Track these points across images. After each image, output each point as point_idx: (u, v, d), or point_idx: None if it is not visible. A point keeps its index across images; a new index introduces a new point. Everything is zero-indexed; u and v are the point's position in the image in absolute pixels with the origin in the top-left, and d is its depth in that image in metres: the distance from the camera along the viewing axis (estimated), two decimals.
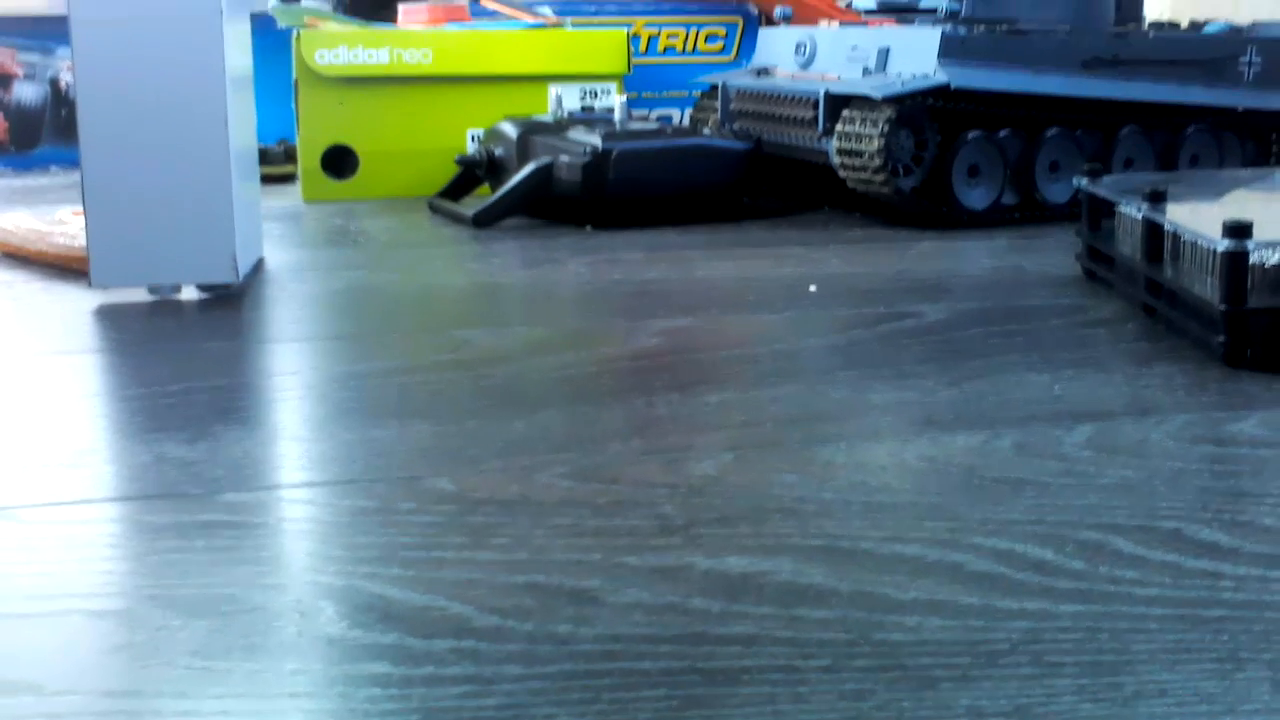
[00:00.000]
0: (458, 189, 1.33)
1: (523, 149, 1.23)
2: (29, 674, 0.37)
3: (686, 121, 1.60)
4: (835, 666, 0.37)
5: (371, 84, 1.38)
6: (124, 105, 0.85)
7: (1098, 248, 0.91)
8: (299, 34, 1.36)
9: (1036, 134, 1.20)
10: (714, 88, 1.41)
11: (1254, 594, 0.42)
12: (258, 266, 1.00)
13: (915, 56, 1.17)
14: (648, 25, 1.62)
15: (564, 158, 1.18)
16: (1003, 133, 1.19)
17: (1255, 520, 0.48)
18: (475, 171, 1.31)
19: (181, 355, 0.74)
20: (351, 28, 1.42)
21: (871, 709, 0.35)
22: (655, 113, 1.63)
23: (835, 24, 1.34)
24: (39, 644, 0.39)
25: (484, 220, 1.18)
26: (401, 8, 1.49)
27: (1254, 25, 1.34)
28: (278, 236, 1.15)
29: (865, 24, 1.31)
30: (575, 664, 0.38)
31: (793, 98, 1.23)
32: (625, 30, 1.49)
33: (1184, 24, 1.38)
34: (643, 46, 1.62)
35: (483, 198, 1.23)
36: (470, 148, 1.39)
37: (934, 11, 1.24)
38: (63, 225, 1.03)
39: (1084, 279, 0.93)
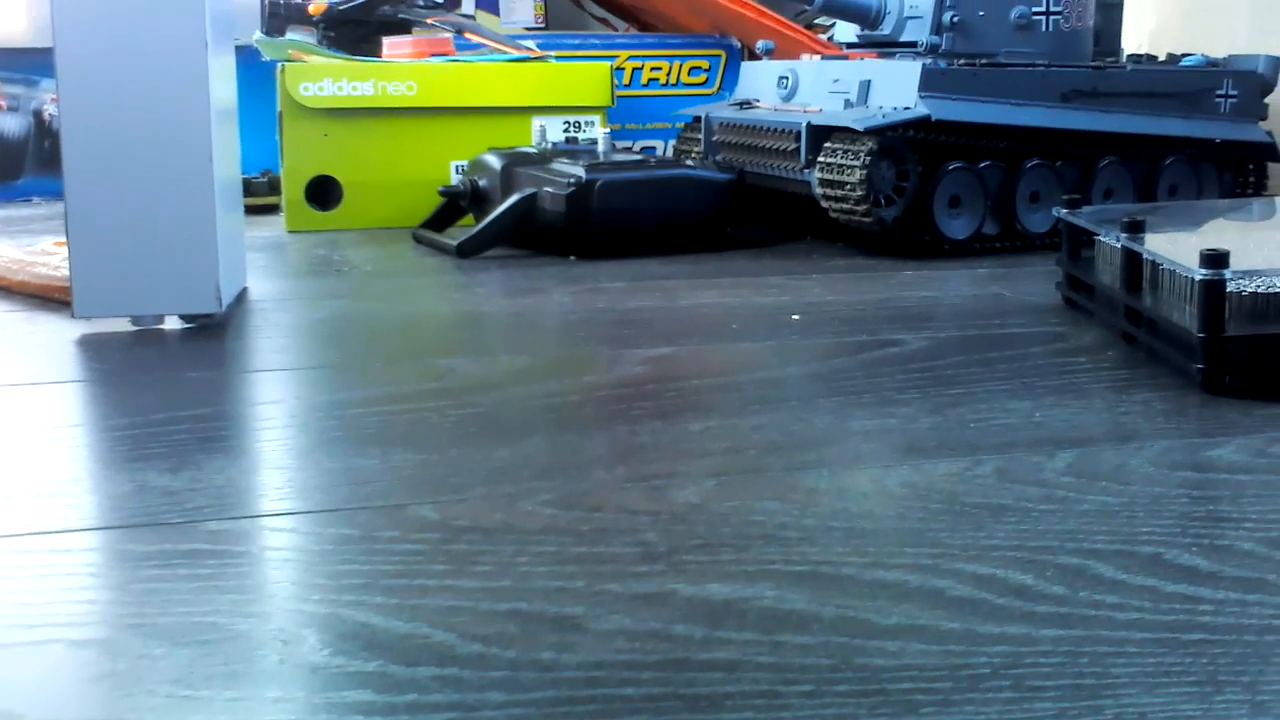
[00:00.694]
0: (441, 220, 1.33)
1: (507, 180, 1.24)
2: (10, 704, 0.37)
3: (670, 153, 1.61)
4: (817, 692, 0.37)
5: (356, 116, 1.38)
6: (108, 136, 0.85)
7: (1078, 276, 0.92)
8: (284, 67, 1.36)
9: (1017, 165, 1.22)
10: (697, 120, 1.42)
11: (1233, 617, 0.42)
12: (241, 296, 1.00)
13: (896, 89, 1.18)
14: (631, 58, 1.64)
15: (548, 188, 1.18)
16: (983, 164, 1.20)
17: (1234, 545, 0.49)
18: (459, 202, 1.31)
19: (164, 385, 0.74)
20: (336, 61, 1.43)
21: None
22: (639, 144, 1.64)
23: (817, 57, 1.35)
24: (20, 673, 0.39)
25: (468, 250, 1.19)
26: (386, 41, 1.50)
27: (1230, 58, 1.36)
28: (261, 267, 1.15)
29: (847, 57, 1.32)
30: (558, 691, 0.38)
31: (775, 129, 1.24)
32: (609, 63, 1.50)
33: (1162, 57, 1.39)
34: (626, 79, 1.63)
35: (466, 228, 1.23)
36: (454, 179, 1.39)
37: (915, 45, 1.25)
38: (46, 256, 1.03)
39: (1064, 307, 0.94)
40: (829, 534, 0.50)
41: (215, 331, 0.88)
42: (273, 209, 1.54)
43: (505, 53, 1.49)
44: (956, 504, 0.53)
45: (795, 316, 0.92)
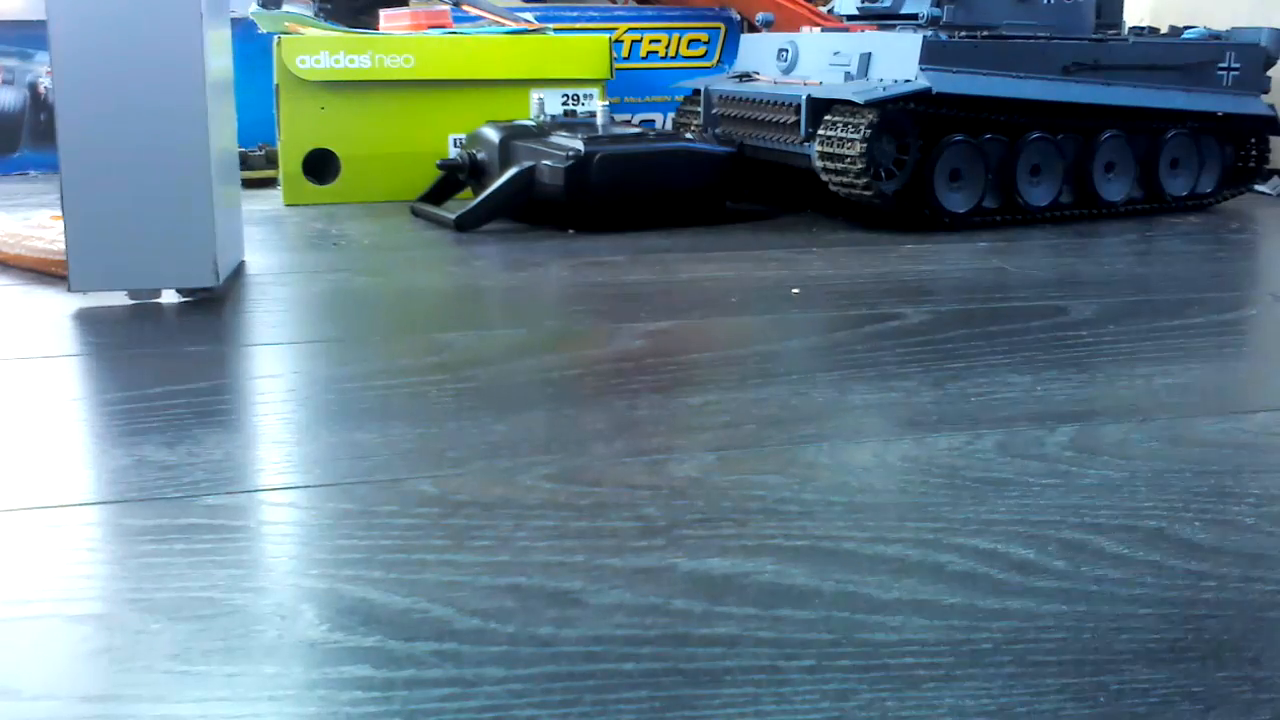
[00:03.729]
0: (440, 193, 1.33)
1: (505, 153, 1.23)
2: (7, 678, 0.37)
3: (669, 126, 1.60)
4: (818, 667, 0.37)
5: (353, 89, 1.38)
6: (104, 110, 0.84)
7: None
8: (280, 39, 1.35)
9: (1018, 138, 1.21)
10: (696, 93, 1.41)
11: (1235, 593, 0.42)
12: (238, 270, 0.99)
13: (897, 62, 1.17)
14: (630, 31, 1.63)
15: (546, 162, 1.17)
16: (984, 137, 1.19)
17: (1236, 519, 0.48)
18: (457, 176, 1.31)
19: (161, 359, 0.74)
20: (333, 34, 1.42)
21: (855, 709, 0.35)
22: (638, 117, 1.63)
23: (817, 30, 1.34)
24: (17, 648, 0.39)
25: (466, 224, 1.18)
26: (383, 14, 1.49)
27: (1232, 31, 1.35)
28: (259, 240, 1.14)
29: (847, 30, 1.31)
30: (557, 665, 0.37)
31: (775, 102, 1.24)
32: (607, 36, 1.49)
33: (1164, 29, 1.38)
34: (625, 52, 1.62)
35: (465, 201, 1.23)
36: (452, 152, 1.39)
37: (916, 17, 1.24)
38: (42, 229, 1.03)
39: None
40: (829, 508, 0.50)
41: (212, 305, 0.87)
42: (270, 183, 1.53)
43: (503, 25, 1.48)
44: (957, 478, 0.53)
45: (795, 290, 0.91)
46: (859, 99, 1.12)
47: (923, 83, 1.14)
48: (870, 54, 1.20)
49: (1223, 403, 0.64)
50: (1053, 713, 0.35)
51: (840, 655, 0.38)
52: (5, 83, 1.68)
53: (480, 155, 1.27)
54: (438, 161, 1.31)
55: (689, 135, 1.28)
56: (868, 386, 0.66)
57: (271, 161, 1.54)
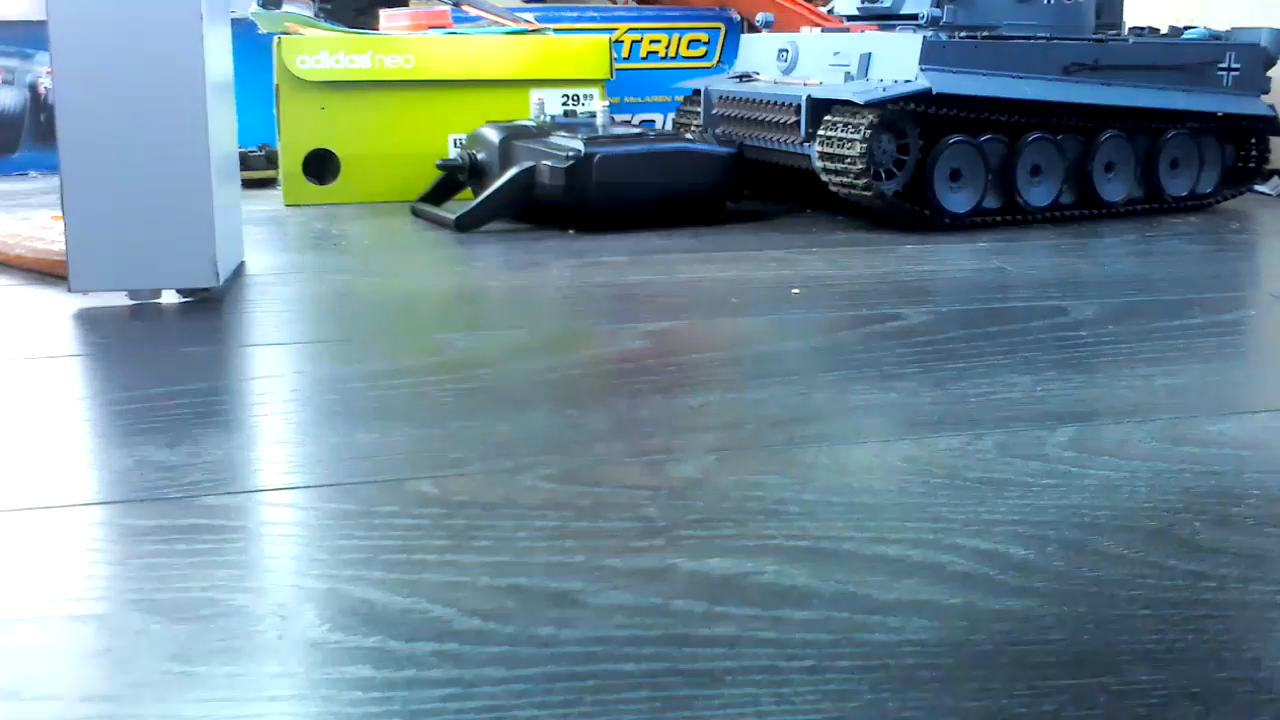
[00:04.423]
0: (440, 193, 1.33)
1: (505, 153, 1.23)
2: (8, 679, 0.37)
3: (669, 126, 1.60)
4: (819, 667, 0.37)
5: (353, 89, 1.38)
6: (104, 110, 0.84)
7: None
8: (280, 40, 1.36)
9: (1018, 138, 1.21)
10: (696, 93, 1.41)
11: (1235, 593, 0.42)
12: (238, 270, 0.99)
13: (897, 62, 1.17)
14: (630, 31, 1.63)
15: (546, 162, 1.17)
16: (984, 137, 1.19)
17: (1236, 519, 0.48)
18: (457, 176, 1.31)
19: (162, 359, 0.74)
20: (333, 34, 1.42)
21: (855, 709, 0.35)
22: (638, 118, 1.63)
23: (817, 30, 1.34)
24: (18, 649, 0.39)
25: (467, 224, 1.18)
26: (383, 14, 1.49)
27: (1233, 31, 1.35)
28: (259, 241, 1.14)
29: (847, 30, 1.31)
30: (558, 666, 0.37)
31: (775, 103, 1.24)
32: (608, 36, 1.49)
33: (1164, 29, 1.38)
34: (625, 52, 1.62)
35: (465, 202, 1.23)
36: (452, 152, 1.39)
37: (916, 17, 1.24)
38: (42, 230, 1.03)
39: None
40: (829, 509, 0.50)
41: (212, 306, 0.87)
42: (270, 183, 1.53)
43: (503, 25, 1.48)
44: (958, 478, 0.53)
45: (795, 290, 0.91)
46: (859, 99, 1.12)
47: (923, 83, 1.14)
48: (870, 54, 1.20)
49: (1223, 403, 0.64)
50: (1053, 713, 0.35)
51: (840, 655, 0.38)
52: (5, 83, 1.68)
53: (480, 155, 1.27)
54: (438, 162, 1.31)
55: (689, 135, 1.28)
56: (868, 387, 0.67)
57: (271, 161, 1.54)
